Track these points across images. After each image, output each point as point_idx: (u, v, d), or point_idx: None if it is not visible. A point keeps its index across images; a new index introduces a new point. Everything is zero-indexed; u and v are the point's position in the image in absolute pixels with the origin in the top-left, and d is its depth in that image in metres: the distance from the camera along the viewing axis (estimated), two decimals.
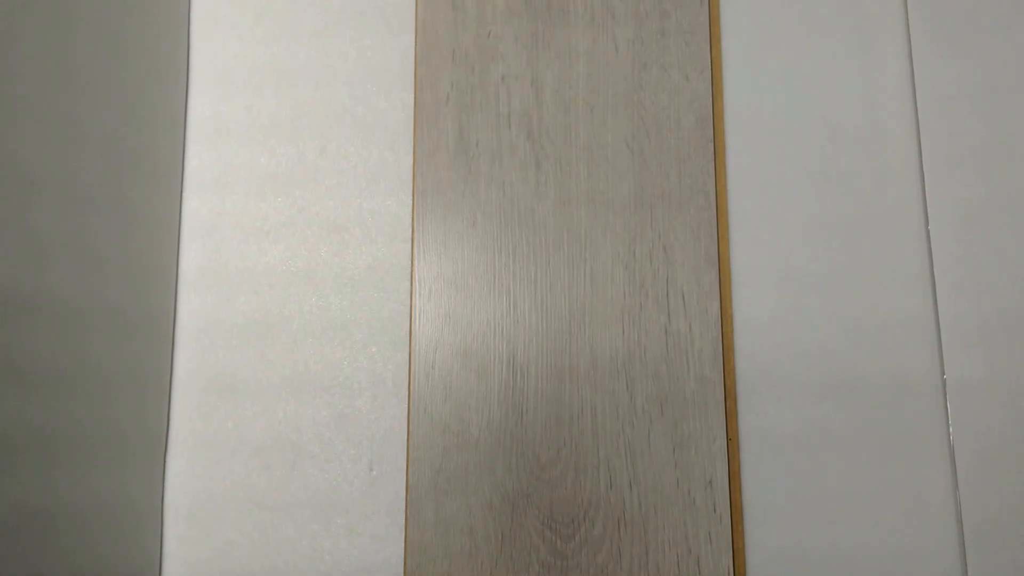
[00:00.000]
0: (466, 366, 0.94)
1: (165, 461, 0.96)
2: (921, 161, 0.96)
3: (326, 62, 1.01)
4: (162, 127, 0.97)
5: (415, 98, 0.99)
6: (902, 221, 0.95)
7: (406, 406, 0.95)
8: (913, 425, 0.91)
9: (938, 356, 0.92)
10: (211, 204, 0.99)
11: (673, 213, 0.96)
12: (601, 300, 0.94)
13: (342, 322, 0.97)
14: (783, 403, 0.92)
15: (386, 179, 0.99)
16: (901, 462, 0.90)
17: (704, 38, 1.00)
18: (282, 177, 0.99)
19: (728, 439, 0.91)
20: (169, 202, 0.97)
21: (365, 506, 0.94)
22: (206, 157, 1.00)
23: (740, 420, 0.92)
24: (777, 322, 0.94)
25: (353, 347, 0.97)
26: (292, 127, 1.00)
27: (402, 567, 0.91)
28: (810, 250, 0.95)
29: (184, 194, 0.99)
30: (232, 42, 1.02)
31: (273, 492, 0.95)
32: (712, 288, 0.94)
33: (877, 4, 1.00)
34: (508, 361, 0.94)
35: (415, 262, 0.96)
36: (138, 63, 0.92)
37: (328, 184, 0.99)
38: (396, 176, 0.99)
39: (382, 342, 0.97)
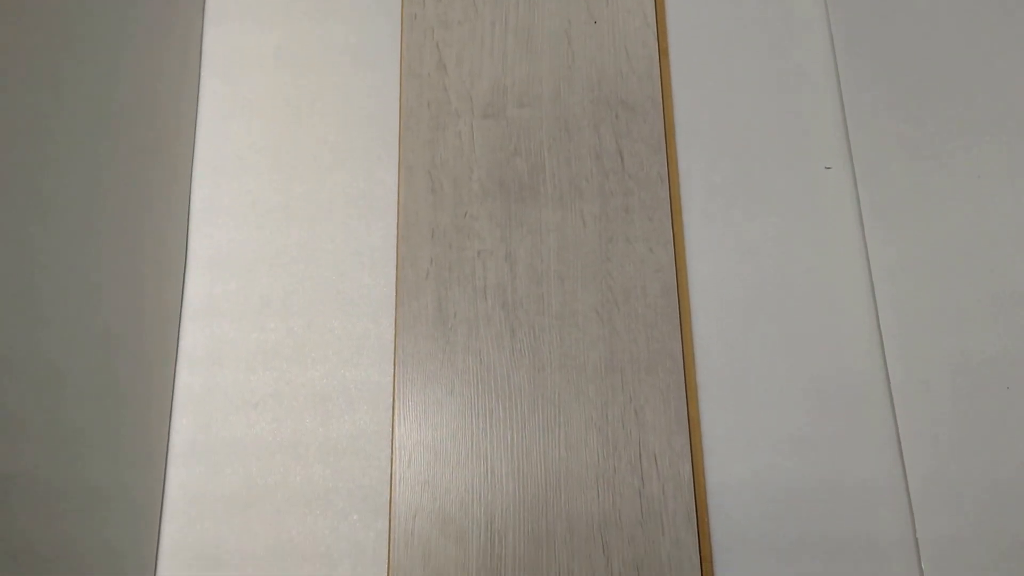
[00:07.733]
0: (444, 532, 0.95)
1: None
2: (879, 323, 1.01)
3: (316, 244, 1.09)
4: (157, 309, 1.04)
5: (397, 274, 1.06)
6: (866, 384, 0.99)
7: (386, 575, 0.95)
8: None
9: (909, 517, 0.93)
10: (203, 379, 1.04)
11: (642, 376, 1.00)
12: (576, 464, 0.97)
13: (324, 491, 0.99)
14: (758, 564, 0.93)
15: (369, 350, 1.05)
16: None
17: (666, 214, 1.08)
18: (271, 352, 1.05)
19: None
20: (163, 378, 1.03)
21: None
22: (200, 335, 1.06)
23: None
24: (749, 484, 0.96)
25: (335, 516, 0.99)
26: (282, 304, 1.07)
27: None
28: (779, 412, 0.99)
29: (178, 369, 1.05)
30: (229, 230, 1.10)
31: None
32: (683, 450, 0.97)
33: (831, 182, 1.08)
34: (486, 527, 0.95)
35: (395, 429, 0.99)
36: (140, 249, 1.00)
37: (314, 356, 1.05)
38: (378, 347, 1.05)
39: (363, 510, 0.99)
